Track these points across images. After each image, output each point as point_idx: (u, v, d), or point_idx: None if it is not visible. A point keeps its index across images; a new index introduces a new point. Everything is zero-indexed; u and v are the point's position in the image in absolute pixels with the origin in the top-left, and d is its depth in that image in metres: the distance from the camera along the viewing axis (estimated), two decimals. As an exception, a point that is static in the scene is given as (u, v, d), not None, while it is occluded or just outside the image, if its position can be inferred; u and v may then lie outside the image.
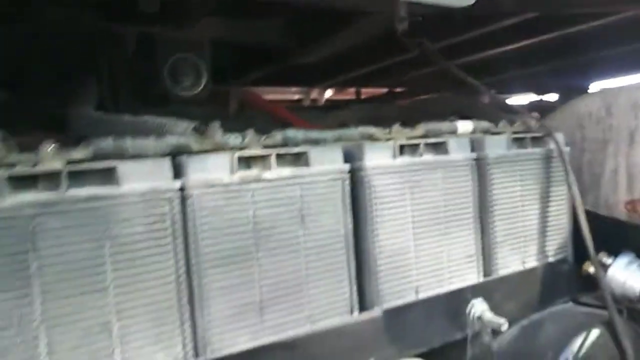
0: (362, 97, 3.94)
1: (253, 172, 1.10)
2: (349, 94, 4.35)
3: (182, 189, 1.01)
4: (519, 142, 1.46)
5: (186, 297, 1.00)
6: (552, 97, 3.76)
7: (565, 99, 3.27)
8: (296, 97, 4.85)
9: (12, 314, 0.86)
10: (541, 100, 3.78)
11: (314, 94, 4.91)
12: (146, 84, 1.82)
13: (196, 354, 1.01)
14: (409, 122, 2.26)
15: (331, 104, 3.35)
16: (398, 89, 3.49)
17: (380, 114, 2.44)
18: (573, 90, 3.42)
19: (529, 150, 1.47)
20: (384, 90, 3.73)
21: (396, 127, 1.37)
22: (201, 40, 1.85)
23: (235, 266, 1.06)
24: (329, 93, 4.89)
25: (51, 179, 0.92)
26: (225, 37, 1.98)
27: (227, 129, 1.26)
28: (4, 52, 1.60)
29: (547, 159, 1.51)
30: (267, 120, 2.19)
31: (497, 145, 1.41)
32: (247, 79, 2.68)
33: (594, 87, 3.50)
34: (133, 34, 1.79)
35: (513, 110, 1.82)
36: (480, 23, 2.18)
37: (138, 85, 1.82)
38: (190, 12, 1.75)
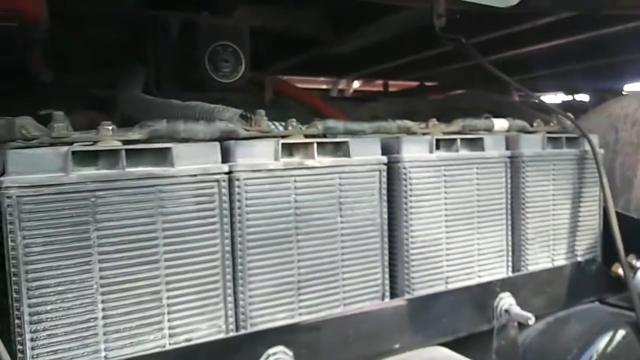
0: (390, 89, 3.96)
1: (296, 159, 1.15)
2: (376, 85, 4.37)
3: (229, 172, 1.07)
4: (553, 141, 1.48)
5: (230, 273, 1.06)
6: (584, 97, 3.72)
7: (597, 99, 3.25)
8: (324, 86, 4.90)
9: (73, 279, 0.93)
10: (573, 99, 3.75)
11: (342, 85, 4.95)
12: (186, 70, 1.89)
13: (237, 327, 1.07)
14: (441, 116, 2.29)
15: (363, 96, 3.37)
16: (429, 83, 3.50)
17: (412, 108, 2.47)
18: (605, 92, 3.39)
19: (564, 150, 1.49)
20: (412, 83, 3.75)
21: (432, 122, 1.40)
22: (241, 28, 1.90)
23: (276, 247, 1.11)
24: (356, 84, 4.92)
25: (110, 156, 0.98)
26: (263, 25, 2.02)
27: (269, 117, 1.31)
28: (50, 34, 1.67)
29: (581, 159, 1.53)
30: (301, 109, 2.24)
31: (532, 144, 1.43)
32: (277, 66, 2.73)
33: (628, 89, 3.45)
34: (177, 20, 1.85)
35: (548, 110, 1.84)
36: (513, 21, 2.19)
37: (179, 71, 1.89)
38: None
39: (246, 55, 1.89)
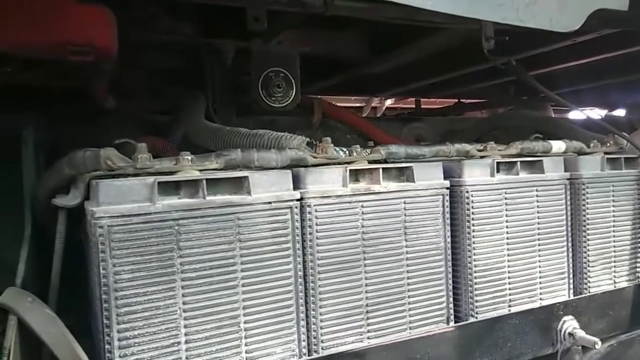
0: (422, 107, 3.97)
1: (362, 184, 1.18)
2: (409, 102, 4.38)
3: (301, 199, 1.10)
4: (612, 162, 1.48)
5: (303, 298, 1.09)
6: (620, 111, 3.67)
7: (634, 113, 3.20)
8: (357, 104, 4.94)
9: (159, 304, 0.97)
10: (612, 115, 3.70)
11: (375, 103, 4.98)
12: (241, 95, 1.95)
13: (309, 351, 1.10)
14: (485, 137, 2.28)
15: (407, 115, 3.38)
16: (466, 100, 3.50)
17: (455, 127, 2.48)
18: (641, 106, 3.34)
19: (623, 171, 1.48)
20: (443, 100, 3.75)
21: (491, 145, 1.41)
22: (292, 54, 1.95)
23: (345, 272, 1.14)
24: (388, 102, 4.94)
25: (191, 186, 1.02)
26: (308, 52, 2.07)
27: (315, 138, 1.34)
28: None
29: (640, 180, 1.52)
30: (347, 130, 2.27)
31: (591, 166, 1.43)
32: (313, 87, 2.77)
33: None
34: (232, 48, 1.91)
35: (600, 128, 1.82)
36: (555, 38, 2.18)
37: (233, 96, 1.95)
38: (276, 25, 1.86)
39: (297, 80, 1.94)
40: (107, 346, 0.94)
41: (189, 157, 1.06)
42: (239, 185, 1.05)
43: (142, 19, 1.70)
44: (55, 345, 0.98)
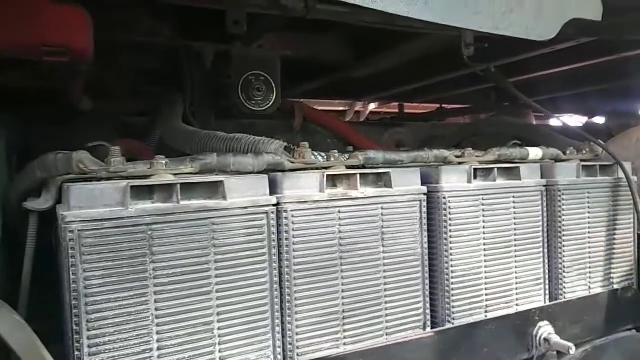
0: (405, 111, 4.00)
1: (339, 190, 1.17)
2: (392, 107, 4.41)
3: (277, 204, 1.09)
4: (588, 169, 1.50)
5: (278, 304, 1.08)
6: (599, 119, 3.73)
7: (613, 121, 3.26)
8: (340, 108, 4.94)
9: (130, 311, 0.95)
10: (591, 122, 3.76)
11: (358, 107, 4.99)
12: (220, 98, 1.93)
13: (284, 357, 1.09)
14: (464, 142, 2.30)
15: (389, 120, 3.40)
16: (448, 106, 3.53)
17: (436, 133, 2.50)
18: (621, 113, 3.40)
19: (598, 178, 1.50)
20: (426, 105, 3.78)
21: (468, 151, 1.42)
22: (273, 58, 1.95)
23: (322, 277, 1.13)
24: (372, 106, 4.96)
25: (165, 190, 1.01)
26: (289, 55, 2.06)
27: (295, 142, 1.34)
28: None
29: (615, 187, 1.54)
30: (328, 135, 2.27)
31: (567, 173, 1.45)
32: (296, 91, 2.77)
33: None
34: (211, 51, 1.90)
35: (577, 136, 1.85)
36: (534, 46, 2.21)
37: (213, 99, 1.93)
38: (257, 28, 1.85)
39: (277, 84, 1.93)
40: (76, 352, 0.92)
41: (164, 161, 1.05)
42: (215, 190, 1.04)
43: (120, 19, 1.68)
44: (23, 353, 0.96)
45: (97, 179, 1.02)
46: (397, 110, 4.09)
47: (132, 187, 0.97)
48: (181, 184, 1.01)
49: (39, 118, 1.66)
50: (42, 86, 1.65)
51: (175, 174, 1.06)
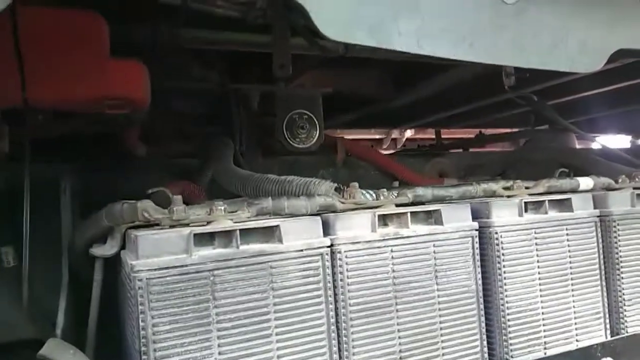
0: (443, 137, 3.98)
1: (391, 229, 1.19)
2: (429, 132, 4.39)
3: (331, 245, 1.12)
4: (642, 197, 1.46)
5: (336, 345, 1.09)
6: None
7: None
8: (376, 136, 4.97)
9: (195, 355, 0.98)
10: (636, 142, 3.65)
11: (395, 134, 5.00)
12: (266, 138, 2.00)
13: (342, 399, 1.09)
14: (509, 171, 2.27)
15: (429, 149, 3.39)
16: (488, 131, 3.50)
17: (478, 162, 2.49)
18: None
19: (654, 206, 1.46)
20: (463, 130, 3.75)
21: (517, 183, 1.42)
22: (315, 96, 2.01)
23: (378, 317, 1.14)
24: (408, 133, 4.96)
25: (225, 236, 1.05)
26: (333, 91, 2.12)
27: (338, 177, 1.36)
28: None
29: (673, 214, 1.49)
30: (370, 167, 2.30)
31: (621, 202, 1.42)
32: (334, 122, 2.82)
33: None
34: (257, 93, 1.97)
35: (626, 161, 1.81)
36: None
37: (259, 139, 2.00)
38: (298, 67, 1.91)
39: (320, 121, 1.98)
40: (145, 398, 0.95)
41: (222, 207, 1.09)
42: (271, 233, 1.08)
43: (173, 68, 1.77)
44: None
45: (159, 226, 1.07)
46: (433, 136, 4.08)
47: (194, 234, 1.01)
48: (240, 229, 1.05)
49: (98, 164, 1.75)
50: (99, 132, 1.74)
51: (233, 220, 1.10)
